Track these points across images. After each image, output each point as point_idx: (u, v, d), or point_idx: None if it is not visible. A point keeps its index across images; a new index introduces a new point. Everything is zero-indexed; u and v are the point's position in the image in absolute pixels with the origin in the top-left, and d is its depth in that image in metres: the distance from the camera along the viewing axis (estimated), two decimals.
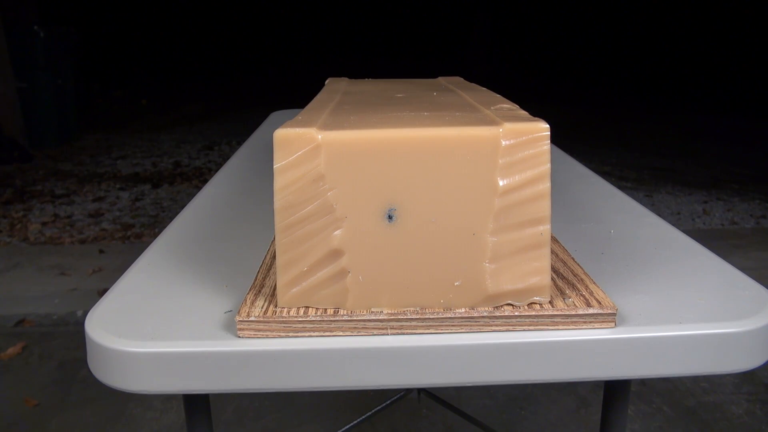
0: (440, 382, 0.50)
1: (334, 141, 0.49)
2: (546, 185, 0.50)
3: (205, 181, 3.37)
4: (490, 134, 0.50)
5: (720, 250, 2.10)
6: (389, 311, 0.51)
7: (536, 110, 0.65)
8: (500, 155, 0.49)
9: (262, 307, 0.51)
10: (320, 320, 0.50)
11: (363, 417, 1.28)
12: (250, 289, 0.55)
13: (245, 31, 10.98)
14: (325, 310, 0.51)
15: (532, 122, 0.50)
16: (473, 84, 0.87)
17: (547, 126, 0.50)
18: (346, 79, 0.98)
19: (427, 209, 0.50)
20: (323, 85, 0.90)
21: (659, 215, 0.80)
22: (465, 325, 0.51)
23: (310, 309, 0.51)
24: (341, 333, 0.50)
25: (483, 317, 0.50)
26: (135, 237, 3.05)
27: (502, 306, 0.51)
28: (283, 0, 11.00)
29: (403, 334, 0.50)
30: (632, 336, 0.50)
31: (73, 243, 2.97)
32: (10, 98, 4.64)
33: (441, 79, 0.97)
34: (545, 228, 0.50)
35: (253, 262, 0.65)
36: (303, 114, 0.58)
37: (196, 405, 0.68)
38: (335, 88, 0.84)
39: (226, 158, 4.57)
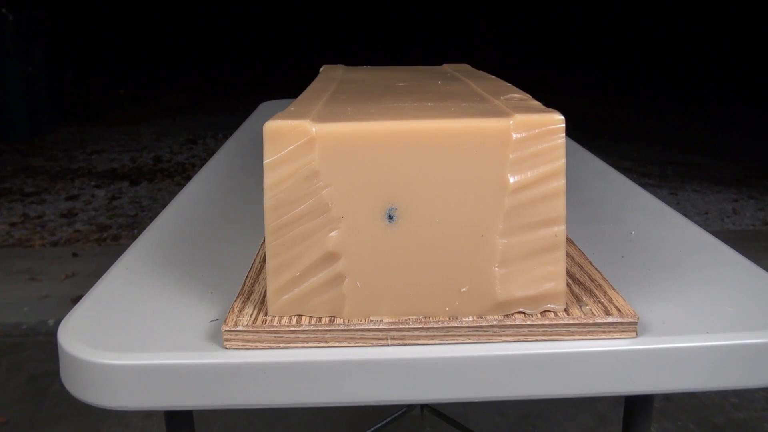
0: (445, 398, 0.50)
1: (330, 134, 0.49)
2: (561, 182, 0.50)
3: (188, 178, 3.37)
4: (499, 126, 0.50)
5: (751, 252, 2.10)
6: (390, 320, 0.51)
7: (550, 100, 0.65)
8: (511, 149, 0.50)
9: (250, 316, 0.52)
10: (314, 330, 0.50)
11: None
12: (237, 296, 0.55)
13: (233, 15, 10.99)
14: (320, 318, 0.51)
15: (546, 113, 0.50)
16: (481, 72, 0.87)
17: (562, 118, 0.50)
18: (343, 66, 0.98)
19: (430, 208, 0.50)
20: (317, 72, 0.90)
21: (685, 215, 0.80)
22: (472, 335, 0.51)
23: (303, 317, 0.51)
24: (337, 344, 0.50)
25: (492, 326, 0.51)
26: (112, 239, 3.05)
27: (512, 314, 0.51)
28: None
29: (405, 345, 0.50)
30: (655, 347, 0.50)
31: (45, 245, 2.97)
32: None
33: (446, 66, 0.97)
34: (560, 229, 0.50)
35: (241, 266, 0.65)
36: (295, 104, 0.58)
37: (179, 422, 0.68)
38: (331, 76, 0.84)
39: (211, 153, 4.58)
